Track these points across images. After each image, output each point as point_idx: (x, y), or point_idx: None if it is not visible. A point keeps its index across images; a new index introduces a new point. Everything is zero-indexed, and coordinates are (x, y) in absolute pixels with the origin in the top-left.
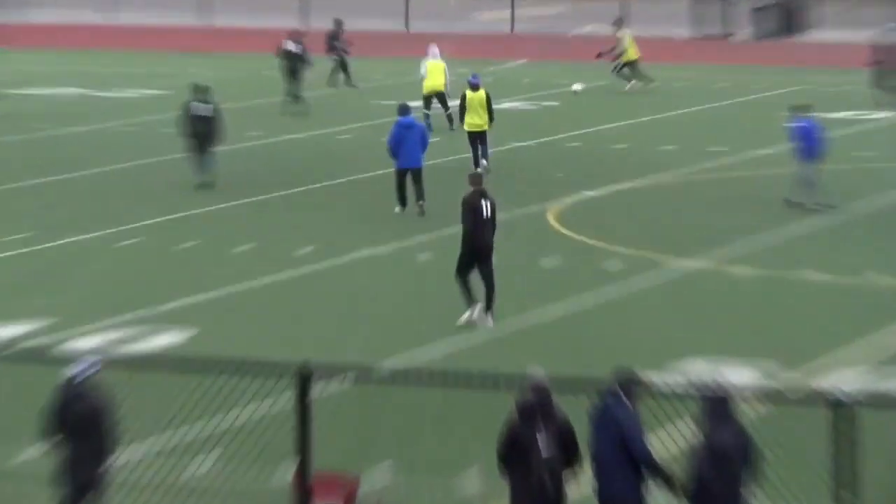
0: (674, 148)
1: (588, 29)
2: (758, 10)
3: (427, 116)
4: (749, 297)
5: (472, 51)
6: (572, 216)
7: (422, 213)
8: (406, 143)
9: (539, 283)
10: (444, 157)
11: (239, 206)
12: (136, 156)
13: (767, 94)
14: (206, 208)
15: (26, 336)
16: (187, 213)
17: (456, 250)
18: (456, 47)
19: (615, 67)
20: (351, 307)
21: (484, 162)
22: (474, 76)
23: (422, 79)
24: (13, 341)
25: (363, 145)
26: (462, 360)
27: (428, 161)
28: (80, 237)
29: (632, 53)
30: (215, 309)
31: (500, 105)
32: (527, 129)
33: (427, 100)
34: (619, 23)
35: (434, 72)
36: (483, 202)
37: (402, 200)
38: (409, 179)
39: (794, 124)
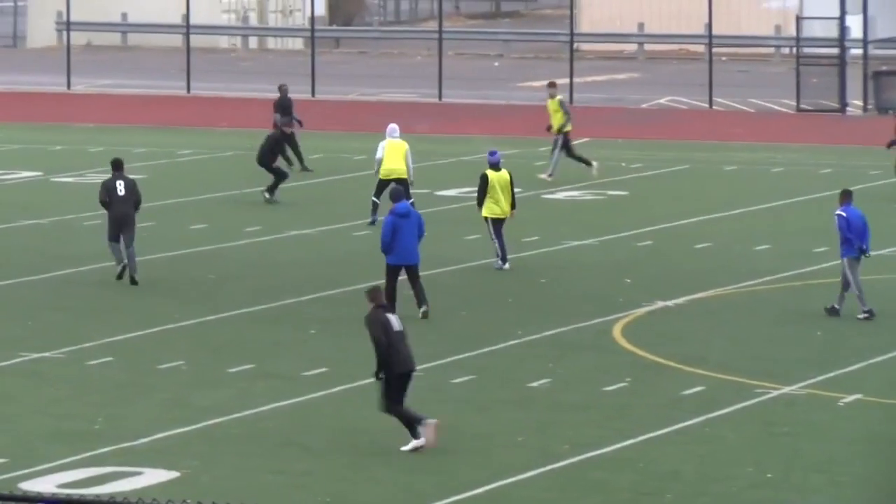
0: (769, 248)
1: (665, 100)
2: (879, 74)
3: (376, 206)
4: (860, 432)
5: (516, 126)
6: (644, 331)
7: (425, 317)
8: (402, 235)
9: (601, 411)
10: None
11: (238, 317)
12: (106, 256)
13: (887, 181)
14: (189, 321)
15: None
16: (172, 325)
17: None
18: (495, 123)
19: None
20: (370, 438)
21: (506, 266)
22: (492, 153)
23: (378, 162)
24: None
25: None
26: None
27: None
28: (33, 355)
29: (556, 121)
30: (205, 443)
31: (555, 195)
32: (587, 225)
33: (382, 186)
34: (553, 85)
35: (393, 153)
36: (390, 317)
37: (394, 304)
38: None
39: None
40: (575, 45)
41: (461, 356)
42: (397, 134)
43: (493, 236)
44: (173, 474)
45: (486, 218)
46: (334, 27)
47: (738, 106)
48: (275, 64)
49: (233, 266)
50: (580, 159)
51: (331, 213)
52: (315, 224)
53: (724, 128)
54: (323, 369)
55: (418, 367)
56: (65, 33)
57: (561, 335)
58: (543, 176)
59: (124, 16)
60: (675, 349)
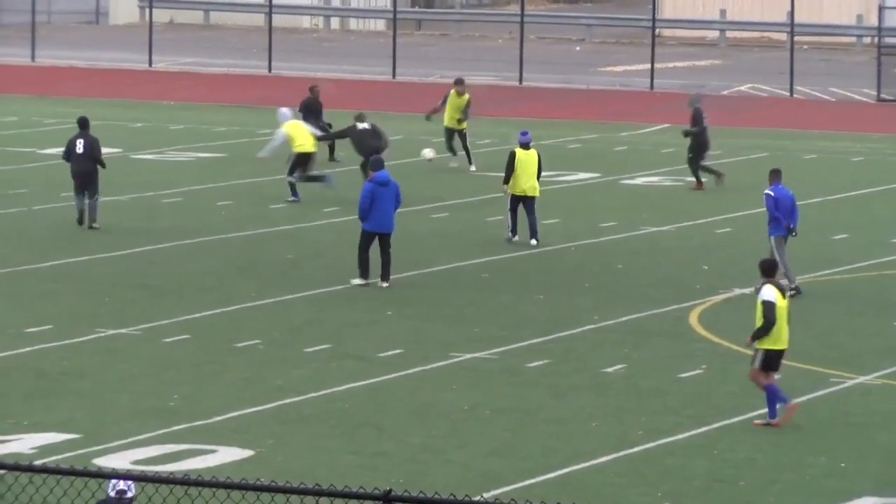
0: (848, 237)
1: (745, 87)
2: None
3: (293, 186)
4: None
5: (597, 112)
6: (720, 318)
7: (384, 284)
8: (380, 203)
9: (677, 399)
10: None
11: (316, 297)
12: (186, 233)
13: None
14: (267, 300)
15: (48, 450)
16: (249, 303)
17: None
18: (576, 107)
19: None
20: (445, 420)
21: (534, 241)
22: (524, 133)
23: (279, 144)
24: (34, 455)
25: (468, 227)
26: (580, 487)
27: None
28: (110, 332)
29: (448, 117)
30: (278, 422)
31: (634, 181)
32: (665, 211)
33: (297, 163)
34: (461, 83)
35: (300, 133)
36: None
37: (366, 271)
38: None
39: None
40: (657, 30)
41: (537, 340)
42: (290, 116)
43: (510, 210)
44: (247, 453)
45: (515, 195)
46: (416, 9)
47: (819, 94)
48: (356, 45)
49: (311, 246)
50: (451, 149)
51: (408, 195)
52: None
53: (804, 116)
54: (398, 350)
55: (493, 350)
56: (147, 10)
57: (637, 321)
58: (472, 168)
59: None
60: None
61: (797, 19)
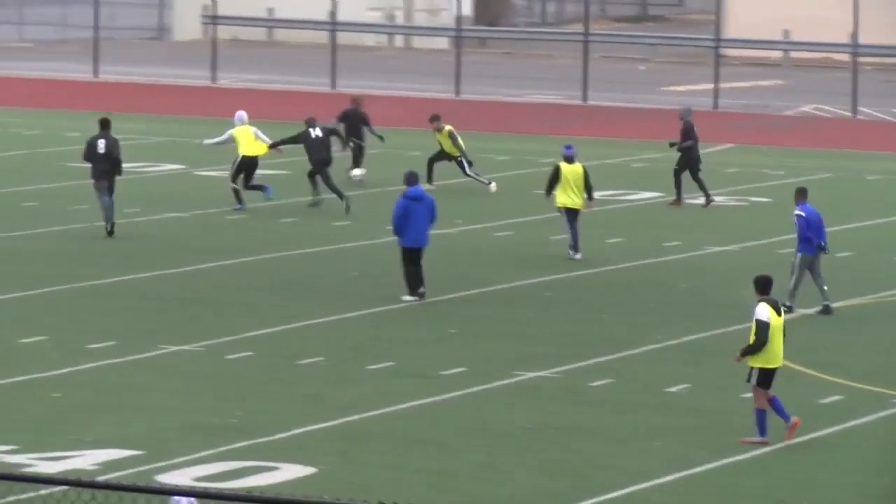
0: None
1: (808, 108)
2: None
3: (237, 192)
4: None
5: (660, 131)
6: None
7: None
8: (414, 219)
9: (739, 418)
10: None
11: (379, 315)
12: (248, 250)
13: None
14: (330, 317)
15: (110, 466)
16: (312, 321)
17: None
18: (640, 126)
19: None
20: (507, 438)
21: (578, 256)
22: (568, 147)
23: (222, 141)
24: (96, 471)
25: (532, 244)
26: None
27: None
28: (173, 348)
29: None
30: (340, 439)
31: (697, 200)
32: (729, 231)
33: (240, 170)
34: (435, 119)
35: (245, 138)
36: None
37: (418, 285)
38: None
39: None
40: (720, 50)
41: (600, 359)
42: (246, 120)
43: (568, 226)
44: (310, 470)
45: (559, 208)
46: (480, 27)
47: (882, 116)
48: (420, 63)
49: (374, 263)
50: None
51: (471, 212)
52: (452, 224)
53: (867, 137)
54: (461, 369)
55: (556, 369)
56: (210, 27)
57: (701, 341)
58: (492, 187)
59: (270, 11)
60: (813, 357)
61: (861, 40)
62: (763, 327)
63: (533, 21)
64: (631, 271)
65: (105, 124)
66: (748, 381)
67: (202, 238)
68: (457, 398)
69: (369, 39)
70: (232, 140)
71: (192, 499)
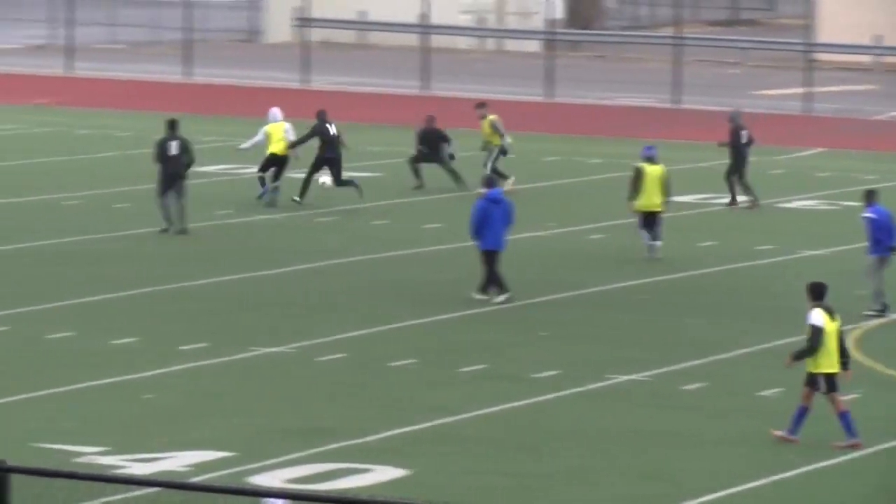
0: None
1: None
2: None
3: (262, 180)
4: None
5: (754, 134)
6: (876, 344)
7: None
8: (492, 221)
9: (832, 422)
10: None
11: (471, 317)
12: (340, 252)
13: None
14: (421, 319)
15: (202, 468)
16: (405, 323)
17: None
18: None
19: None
20: (599, 442)
21: (658, 243)
22: (649, 147)
23: (256, 145)
24: (188, 473)
25: (625, 247)
26: None
27: None
28: (265, 350)
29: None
30: (432, 442)
31: (790, 204)
32: (821, 235)
33: (268, 164)
34: (481, 106)
35: (277, 135)
36: None
37: (503, 285)
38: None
39: None
40: (812, 54)
41: (692, 363)
42: (280, 117)
43: (640, 226)
44: (402, 472)
45: (637, 210)
46: (572, 30)
47: None
48: (512, 66)
49: (465, 266)
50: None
51: (564, 215)
52: (545, 226)
53: None
54: (554, 372)
55: (648, 373)
56: (302, 29)
57: (793, 345)
58: (510, 183)
59: (362, 13)
60: None
61: None
62: (817, 332)
63: (625, 24)
64: (723, 275)
65: (174, 125)
66: (816, 388)
67: (294, 240)
68: (549, 401)
69: (461, 42)
70: (266, 138)
71: (285, 500)
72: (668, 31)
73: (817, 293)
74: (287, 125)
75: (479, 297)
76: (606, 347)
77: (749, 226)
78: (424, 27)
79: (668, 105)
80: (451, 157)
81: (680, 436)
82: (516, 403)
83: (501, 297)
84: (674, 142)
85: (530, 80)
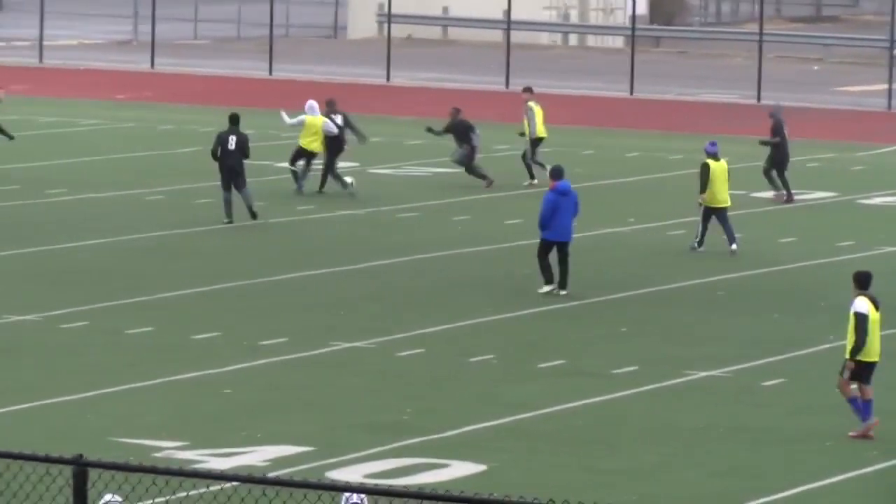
0: None
1: None
2: None
3: (295, 174)
4: None
5: (834, 131)
6: None
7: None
8: (560, 213)
9: None
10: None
11: (550, 313)
12: (421, 248)
13: None
14: (500, 315)
15: (280, 463)
16: (484, 318)
17: None
18: (813, 126)
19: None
20: (678, 438)
21: (734, 246)
22: (712, 143)
23: (296, 123)
24: (266, 468)
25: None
26: None
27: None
28: (344, 345)
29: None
30: (511, 437)
31: (871, 200)
32: None
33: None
34: (528, 90)
35: (313, 128)
36: None
37: (550, 277)
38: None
39: None
40: (895, 51)
41: (772, 359)
42: (317, 110)
43: (702, 222)
44: (480, 467)
45: (703, 206)
46: (655, 26)
47: None
48: (594, 62)
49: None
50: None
51: (643, 211)
52: (625, 222)
53: None
54: (633, 367)
55: (728, 369)
56: (385, 25)
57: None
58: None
59: (445, 10)
60: None
61: None
62: (862, 319)
63: (707, 20)
64: (803, 271)
65: (235, 119)
66: (841, 374)
67: (375, 236)
68: (628, 397)
69: (544, 38)
70: (302, 125)
71: (363, 496)
72: (751, 28)
73: (862, 282)
74: (325, 120)
75: (562, 293)
76: (685, 343)
77: (829, 222)
78: (507, 23)
79: (750, 101)
80: (473, 148)
81: (759, 432)
82: (595, 399)
83: (547, 289)
84: (755, 137)
85: (613, 75)
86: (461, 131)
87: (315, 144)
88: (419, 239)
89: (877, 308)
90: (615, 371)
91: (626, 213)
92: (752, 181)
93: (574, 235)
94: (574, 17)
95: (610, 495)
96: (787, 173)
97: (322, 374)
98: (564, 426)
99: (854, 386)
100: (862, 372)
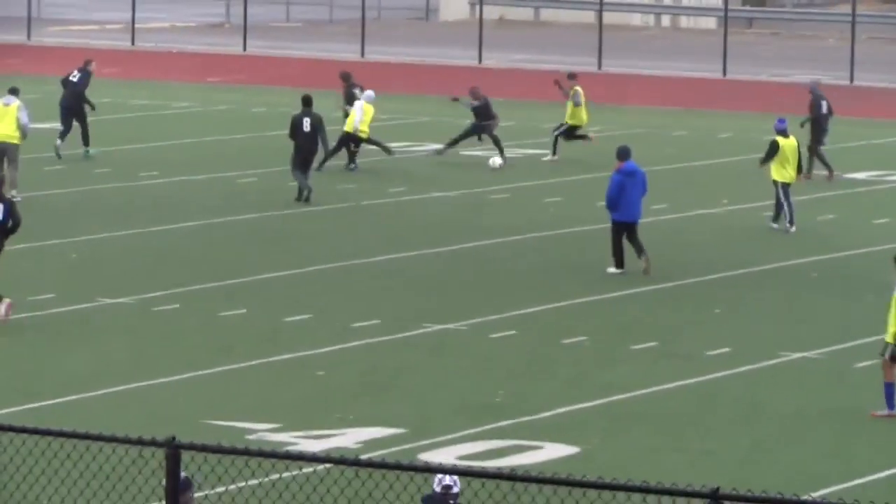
0: None
1: None
2: None
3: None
4: None
5: None
6: None
7: (648, 270)
8: (627, 193)
9: None
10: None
11: (643, 295)
12: (513, 230)
13: None
14: (593, 297)
15: (373, 445)
16: (576, 300)
17: None
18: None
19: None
20: (773, 420)
21: (793, 228)
22: (781, 121)
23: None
24: (359, 449)
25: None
26: None
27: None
28: (437, 327)
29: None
30: (604, 419)
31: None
32: None
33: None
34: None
35: (358, 113)
36: None
37: (621, 260)
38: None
39: None
40: None
41: (866, 340)
42: (373, 98)
43: (784, 199)
44: (573, 449)
45: (775, 181)
46: (748, 7)
47: None
48: (686, 43)
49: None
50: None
51: (737, 192)
52: (718, 203)
53: None
54: (726, 349)
55: (822, 350)
56: (478, 7)
57: None
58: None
59: None
60: None
61: None
62: None
63: (800, 2)
64: None
65: (307, 101)
66: (881, 354)
67: (467, 217)
68: (722, 378)
69: (636, 19)
70: (361, 110)
71: (455, 478)
72: (844, 9)
73: None
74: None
75: (613, 271)
76: (778, 325)
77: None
78: (599, 4)
79: (843, 82)
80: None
81: (853, 413)
82: (688, 381)
83: (615, 270)
84: (847, 118)
85: (705, 56)
86: (487, 112)
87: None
88: (511, 221)
89: None
90: (708, 353)
91: (720, 195)
92: (842, 161)
93: (663, 217)
94: None
95: (704, 476)
96: (821, 149)
97: (414, 357)
98: (657, 408)
99: None
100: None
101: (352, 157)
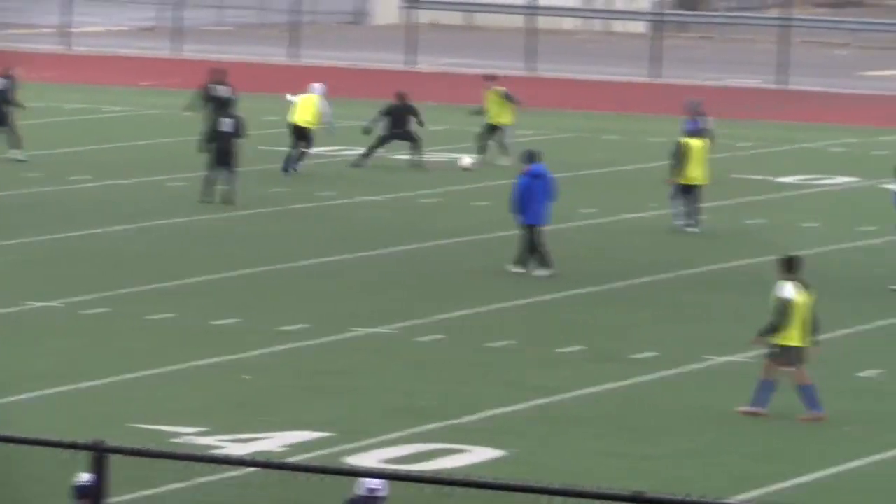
0: None
1: None
2: None
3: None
4: None
5: (859, 116)
6: None
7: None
8: (534, 196)
9: None
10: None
11: (571, 298)
12: (445, 233)
13: None
14: (521, 300)
15: (299, 448)
16: (505, 303)
17: None
18: (839, 111)
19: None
20: (702, 423)
21: (696, 230)
22: (692, 122)
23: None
24: (285, 453)
25: (720, 226)
26: None
27: None
28: (366, 330)
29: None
30: (531, 423)
31: (893, 185)
32: None
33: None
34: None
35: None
36: None
37: (547, 259)
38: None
39: None
40: None
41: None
42: (319, 92)
43: (684, 200)
44: (500, 453)
45: (680, 183)
46: (680, 11)
47: None
48: (618, 47)
49: (568, 246)
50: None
51: (666, 196)
52: (647, 207)
53: None
54: (652, 353)
55: (745, 355)
56: (409, 11)
57: (893, 326)
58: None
59: None
60: None
61: None
62: (787, 305)
63: (733, 5)
64: (825, 256)
65: (229, 102)
66: (784, 362)
67: (397, 221)
68: (651, 382)
69: (567, 23)
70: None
71: (382, 481)
72: (777, 12)
73: (790, 267)
74: (323, 103)
75: (515, 270)
76: (704, 328)
77: (851, 207)
78: (531, 9)
79: (775, 86)
80: (420, 123)
81: (780, 416)
82: (616, 384)
83: (545, 272)
84: (780, 122)
85: (637, 61)
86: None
87: (300, 120)
88: (440, 224)
89: (806, 292)
90: (635, 356)
91: (650, 199)
92: (774, 165)
93: (592, 221)
94: (598, 2)
95: (639, 481)
96: None
97: (342, 360)
98: (585, 411)
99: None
100: (784, 355)
101: (301, 156)
